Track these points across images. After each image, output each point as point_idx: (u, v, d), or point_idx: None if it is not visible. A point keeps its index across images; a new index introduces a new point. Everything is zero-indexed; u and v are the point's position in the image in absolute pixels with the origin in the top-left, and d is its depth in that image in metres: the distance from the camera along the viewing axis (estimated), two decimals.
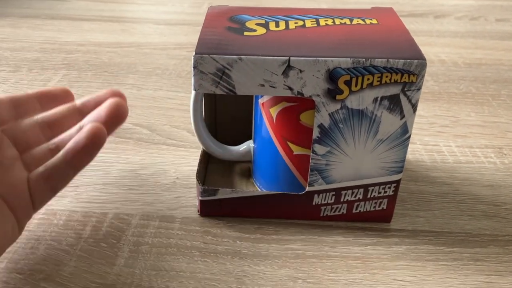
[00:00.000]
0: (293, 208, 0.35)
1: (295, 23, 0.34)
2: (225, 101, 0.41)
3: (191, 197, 0.37)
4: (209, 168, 0.40)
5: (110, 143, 0.44)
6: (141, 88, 0.54)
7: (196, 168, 0.41)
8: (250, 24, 0.33)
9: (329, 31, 0.33)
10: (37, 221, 0.35)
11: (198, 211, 0.36)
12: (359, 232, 0.34)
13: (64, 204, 0.36)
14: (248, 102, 0.39)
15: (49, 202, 0.36)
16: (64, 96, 0.34)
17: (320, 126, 0.31)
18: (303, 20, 0.34)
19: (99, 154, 0.42)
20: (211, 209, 0.35)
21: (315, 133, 0.32)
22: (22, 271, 0.31)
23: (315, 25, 0.33)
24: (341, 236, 0.34)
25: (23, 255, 0.32)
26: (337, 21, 0.34)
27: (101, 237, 0.33)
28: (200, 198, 0.35)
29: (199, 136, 0.36)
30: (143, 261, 0.32)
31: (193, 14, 0.80)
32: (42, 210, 0.35)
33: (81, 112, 0.33)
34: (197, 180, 0.35)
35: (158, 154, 0.42)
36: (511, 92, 0.56)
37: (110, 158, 0.42)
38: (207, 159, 0.40)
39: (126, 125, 0.47)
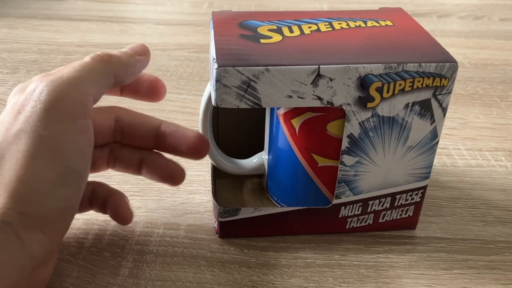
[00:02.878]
0: (319, 222, 0.33)
1: (309, 27, 0.32)
2: (228, 113, 0.39)
3: (196, 203, 0.36)
4: (217, 183, 0.38)
5: None
6: None
7: (200, 172, 0.40)
8: (262, 30, 0.32)
9: (349, 35, 0.31)
10: None
11: (216, 232, 0.34)
12: (371, 239, 0.33)
13: None
14: (251, 112, 0.38)
15: None
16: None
17: (350, 136, 0.30)
18: (316, 24, 0.33)
19: None
20: (232, 230, 0.33)
21: (344, 144, 0.30)
22: None
23: (330, 29, 0.32)
24: (352, 244, 0.33)
25: None
26: (352, 24, 0.33)
27: (104, 246, 0.32)
28: (220, 219, 0.33)
29: (210, 153, 0.35)
30: (148, 271, 0.30)
31: (193, 14, 0.79)
32: None
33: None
34: (215, 199, 0.33)
35: None
36: None
37: None
38: (214, 175, 0.37)
39: None
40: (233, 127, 0.39)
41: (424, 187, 0.32)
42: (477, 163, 0.42)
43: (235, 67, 0.27)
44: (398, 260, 0.32)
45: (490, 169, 0.41)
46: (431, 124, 0.30)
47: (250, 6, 0.83)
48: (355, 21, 0.33)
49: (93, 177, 0.38)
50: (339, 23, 0.33)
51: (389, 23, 0.33)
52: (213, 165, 0.36)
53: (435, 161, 0.42)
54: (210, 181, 0.38)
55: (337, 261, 0.31)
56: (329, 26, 0.33)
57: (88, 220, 0.34)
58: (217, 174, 0.38)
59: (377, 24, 0.33)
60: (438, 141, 0.31)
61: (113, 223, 0.34)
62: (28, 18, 0.74)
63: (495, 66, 0.62)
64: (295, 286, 0.30)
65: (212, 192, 0.34)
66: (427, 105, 0.29)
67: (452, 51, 0.66)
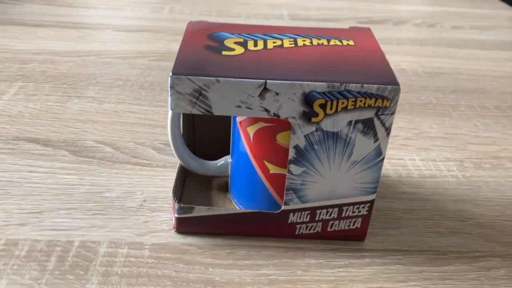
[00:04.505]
0: (269, 226, 0.35)
1: (274, 42, 0.34)
2: (203, 116, 0.40)
3: (159, 221, 0.37)
4: (187, 182, 0.40)
5: (72, 163, 0.42)
6: (102, 102, 0.52)
7: (163, 189, 0.40)
8: (228, 43, 0.33)
9: (306, 52, 0.33)
10: None
11: (174, 227, 0.35)
12: (331, 253, 0.35)
13: (26, 232, 0.35)
14: (227, 118, 0.39)
15: (10, 231, 0.34)
16: None
17: (296, 147, 0.31)
18: (281, 40, 0.34)
19: (61, 176, 0.40)
20: (187, 226, 0.35)
21: (291, 154, 0.31)
22: None
23: (293, 45, 0.33)
24: (314, 259, 0.34)
25: None
26: (315, 41, 0.34)
27: (68, 268, 0.32)
28: (176, 215, 0.34)
29: (177, 151, 0.36)
30: None
31: (154, 19, 0.78)
32: (2, 241, 0.34)
33: None
34: (173, 197, 0.34)
35: (124, 175, 0.41)
36: (469, 102, 0.58)
37: (73, 180, 0.40)
38: (183, 174, 0.40)
39: (88, 142, 0.45)
40: (210, 130, 0.41)
41: (372, 201, 0.34)
42: (431, 174, 0.44)
43: (188, 76, 0.29)
44: (358, 274, 0.33)
45: (443, 179, 0.43)
46: (374, 142, 0.32)
47: (211, 11, 0.83)
48: (320, 39, 0.35)
49: (56, 193, 0.38)
50: (303, 40, 0.34)
51: (351, 43, 0.34)
52: (180, 164, 0.37)
53: (391, 172, 0.44)
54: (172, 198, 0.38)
55: (300, 277, 0.32)
56: (293, 42, 0.34)
57: (50, 242, 0.34)
58: (188, 174, 0.40)
59: (339, 43, 0.34)
60: (383, 158, 0.32)
61: (77, 243, 0.34)
62: None
63: (448, 75, 0.64)
64: None
65: (173, 190, 0.35)
66: (370, 124, 0.31)
67: (408, 60, 0.68)
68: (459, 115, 0.55)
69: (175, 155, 0.36)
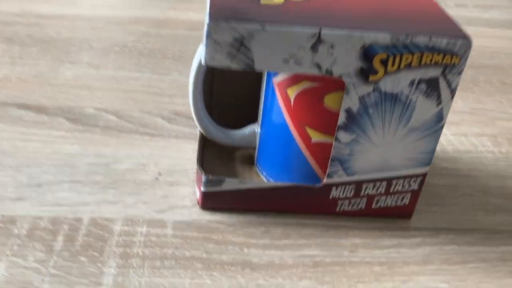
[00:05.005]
0: (308, 202, 0.31)
1: None
2: (222, 78, 0.36)
3: (180, 196, 0.32)
4: (205, 155, 0.35)
5: (72, 131, 0.37)
6: (99, 67, 0.47)
7: (180, 161, 0.35)
8: None
9: (359, 2, 0.28)
10: None
11: (198, 203, 0.31)
12: (378, 232, 0.31)
13: (24, 208, 0.30)
14: (248, 80, 0.35)
15: (5, 206, 0.29)
16: None
17: (348, 111, 0.27)
18: None
19: (60, 146, 0.35)
20: (214, 201, 0.30)
21: (341, 119, 0.27)
22: None
23: None
24: (359, 238, 0.30)
25: None
26: None
27: (79, 249, 0.27)
28: (202, 189, 0.30)
29: (199, 118, 0.31)
30: (136, 278, 0.26)
31: None
32: None
33: None
34: (199, 168, 0.30)
35: (133, 145, 0.36)
36: (488, 78, 0.55)
37: (75, 149, 0.35)
38: (202, 145, 0.35)
39: (88, 110, 0.40)
40: (228, 96, 0.37)
41: (424, 174, 0.30)
42: (466, 149, 0.41)
43: (228, 22, 0.25)
44: (411, 255, 0.29)
45: (479, 155, 0.40)
46: (437, 106, 0.28)
47: None
48: None
49: (56, 164, 0.33)
50: None
51: None
52: (201, 133, 0.33)
53: None
54: (193, 172, 0.33)
55: (348, 259, 0.29)
56: None
57: (55, 219, 0.29)
58: (207, 146, 0.36)
59: None
60: (443, 125, 0.29)
61: (86, 221, 0.29)
62: None
63: None
64: None
65: (197, 160, 0.31)
66: (435, 84, 0.27)
67: None
68: (481, 90, 0.52)
69: (197, 123, 0.32)
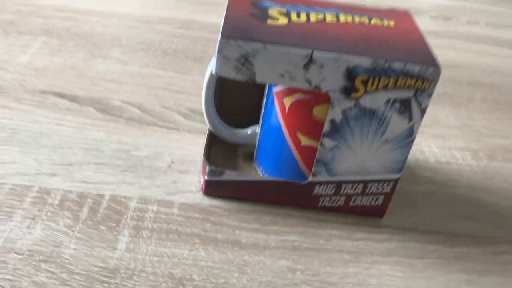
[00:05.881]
0: (294, 196, 0.36)
1: (316, 15, 0.34)
2: (233, 83, 0.41)
3: (187, 182, 0.38)
4: (212, 149, 0.41)
5: (100, 120, 0.43)
6: (127, 63, 0.53)
7: (190, 152, 0.41)
8: (272, 12, 0.34)
9: (349, 28, 0.33)
10: (30, 199, 0.34)
11: (201, 189, 0.36)
12: (352, 227, 0.36)
13: (57, 183, 0.36)
14: (255, 87, 0.40)
15: (41, 180, 0.35)
16: None
17: (332, 121, 0.32)
18: (324, 14, 0.35)
19: (89, 132, 0.41)
20: (215, 189, 0.36)
21: (326, 127, 0.33)
22: (21, 251, 0.30)
23: (335, 20, 0.34)
24: (336, 230, 0.35)
25: (20, 234, 0.31)
26: (356, 19, 0.35)
27: (100, 219, 0.33)
28: (206, 178, 0.35)
29: (209, 117, 0.37)
30: (144, 246, 0.32)
31: None
32: (35, 188, 0.35)
33: None
34: (205, 159, 0.36)
35: (151, 136, 0.42)
36: (483, 95, 0.59)
37: (101, 136, 0.41)
38: (210, 140, 0.41)
39: (115, 102, 0.46)
40: (237, 99, 0.42)
41: (396, 180, 0.35)
42: (447, 161, 0.45)
43: (236, 40, 0.30)
44: (377, 247, 0.34)
45: (458, 167, 0.45)
46: (408, 123, 0.33)
47: None
48: (361, 17, 0.35)
49: (85, 148, 0.39)
50: (345, 16, 0.35)
51: (391, 23, 0.35)
52: (210, 130, 0.39)
53: (410, 156, 0.45)
54: (200, 163, 0.39)
55: (322, 246, 0.34)
56: (335, 17, 0.35)
57: (82, 193, 0.35)
58: (214, 141, 0.42)
59: (380, 23, 0.35)
60: (414, 139, 0.33)
61: (107, 197, 0.35)
62: None
63: (464, 68, 0.65)
64: (284, 267, 0.32)
65: (204, 152, 0.36)
66: (407, 104, 0.32)
67: None
68: (474, 107, 0.56)
69: (206, 120, 0.37)
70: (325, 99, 0.33)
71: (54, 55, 0.52)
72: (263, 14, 0.34)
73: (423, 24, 0.80)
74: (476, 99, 0.58)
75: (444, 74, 0.63)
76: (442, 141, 0.48)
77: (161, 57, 0.55)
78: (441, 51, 0.70)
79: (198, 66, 0.54)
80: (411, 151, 0.46)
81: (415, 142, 0.47)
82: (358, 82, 0.31)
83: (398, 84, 0.31)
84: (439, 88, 0.59)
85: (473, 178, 0.43)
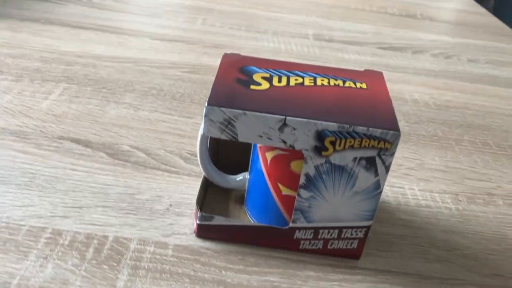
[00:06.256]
0: (277, 239, 0.40)
1: (296, 79, 0.39)
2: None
3: (183, 225, 0.42)
4: (208, 192, 0.46)
5: (109, 164, 0.48)
6: (138, 109, 0.58)
7: (188, 195, 0.45)
8: (256, 77, 0.38)
9: (323, 92, 0.38)
10: (44, 240, 0.39)
11: (194, 232, 0.41)
12: (329, 268, 0.40)
13: (68, 224, 0.40)
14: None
15: (55, 222, 0.40)
16: None
17: (307, 175, 0.36)
18: (303, 78, 0.39)
19: (99, 176, 0.46)
20: (206, 232, 0.40)
21: (302, 180, 0.37)
22: None
23: (312, 83, 0.39)
24: (313, 272, 0.39)
25: (34, 272, 0.36)
26: (332, 82, 0.39)
27: (103, 259, 0.38)
28: (197, 222, 0.40)
29: (203, 166, 0.42)
30: (140, 284, 0.36)
31: (187, 30, 0.84)
32: (49, 230, 0.40)
33: None
34: (197, 206, 0.40)
35: (154, 179, 0.47)
36: (472, 138, 0.62)
37: (110, 180, 0.46)
38: (206, 185, 0.45)
39: (124, 147, 0.51)
40: (232, 148, 0.47)
41: (368, 227, 0.39)
42: (427, 204, 0.49)
43: (220, 108, 0.34)
44: None
45: (437, 210, 0.48)
46: (375, 177, 0.37)
47: (241, 26, 0.88)
48: (336, 79, 0.40)
49: (94, 191, 0.44)
50: (321, 80, 0.39)
51: (364, 86, 0.39)
52: (204, 177, 0.43)
53: (391, 199, 0.49)
54: (195, 206, 0.43)
55: (299, 286, 0.38)
56: (312, 81, 0.39)
57: (89, 235, 0.40)
58: (210, 184, 0.46)
59: (353, 86, 0.39)
60: (381, 191, 0.37)
61: (111, 238, 0.40)
62: (31, 22, 0.78)
63: (456, 109, 0.69)
64: None
65: (197, 199, 0.41)
66: (372, 162, 0.36)
67: (421, 91, 0.73)
68: (461, 150, 0.59)
69: (201, 169, 0.42)
70: (301, 155, 0.37)
71: (72, 101, 0.58)
72: (248, 79, 0.38)
73: (423, 63, 0.83)
74: (464, 141, 0.61)
75: (435, 116, 0.66)
76: (425, 184, 0.52)
77: (169, 102, 0.61)
78: (436, 92, 0.73)
79: (202, 110, 0.59)
80: (394, 194, 0.49)
81: (400, 185, 0.51)
82: (327, 143, 0.35)
83: (362, 144, 0.35)
84: (429, 130, 0.62)
85: (449, 222, 0.47)
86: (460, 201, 0.50)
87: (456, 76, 0.80)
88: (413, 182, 0.52)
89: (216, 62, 0.73)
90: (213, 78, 0.67)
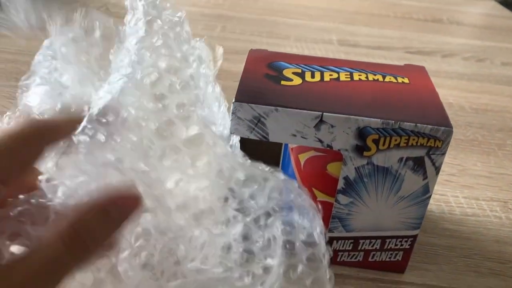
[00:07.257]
0: None
1: (330, 75, 0.35)
2: None
3: None
4: None
5: None
6: None
7: None
8: (287, 73, 0.35)
9: (362, 87, 0.34)
10: None
11: None
12: (371, 283, 0.35)
13: None
14: None
15: None
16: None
17: (346, 178, 0.33)
18: (338, 73, 0.36)
19: None
20: None
21: (340, 184, 0.33)
22: None
23: (349, 79, 0.35)
24: (353, 286, 0.35)
25: None
26: (370, 77, 0.35)
27: None
28: None
29: None
30: None
31: (207, 37, 0.81)
32: None
33: None
34: None
35: None
36: None
37: None
38: None
39: None
40: (259, 149, 0.43)
41: (415, 236, 0.35)
42: (473, 212, 0.44)
43: (249, 104, 0.31)
44: None
45: (485, 219, 0.44)
46: (423, 180, 0.32)
47: (261, 33, 0.86)
48: (375, 75, 0.36)
49: None
50: (359, 75, 0.36)
51: (406, 80, 0.36)
52: None
53: (434, 207, 0.44)
54: None
55: None
56: (349, 76, 0.35)
57: None
58: None
59: (394, 80, 0.35)
60: (430, 196, 0.33)
61: None
62: None
63: (495, 113, 0.64)
64: None
65: None
66: (420, 162, 0.32)
67: (455, 94, 0.68)
68: (505, 154, 0.55)
69: None
70: (339, 156, 0.33)
71: None
72: (278, 75, 0.35)
73: (454, 67, 0.79)
74: (507, 145, 0.57)
75: (474, 120, 0.62)
76: (469, 191, 0.47)
77: None
78: (471, 95, 0.69)
79: None
80: (437, 202, 0.45)
81: (442, 192, 0.47)
82: (369, 141, 0.31)
83: (410, 143, 0.31)
84: (467, 135, 0.58)
85: (500, 232, 0.42)
86: (510, 209, 0.45)
87: (491, 79, 0.76)
88: (456, 189, 0.47)
89: (238, 68, 0.70)
90: (235, 84, 0.64)
